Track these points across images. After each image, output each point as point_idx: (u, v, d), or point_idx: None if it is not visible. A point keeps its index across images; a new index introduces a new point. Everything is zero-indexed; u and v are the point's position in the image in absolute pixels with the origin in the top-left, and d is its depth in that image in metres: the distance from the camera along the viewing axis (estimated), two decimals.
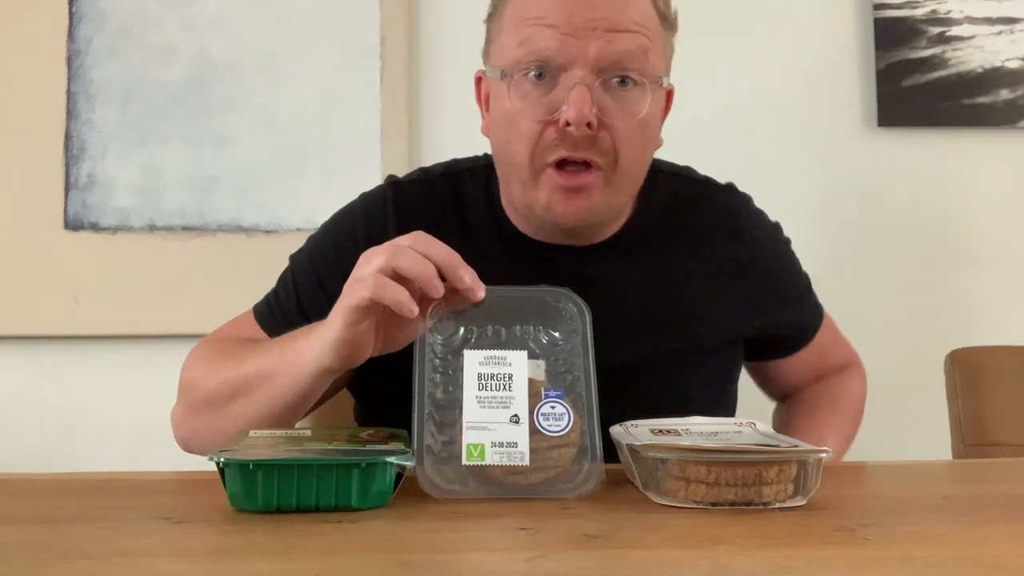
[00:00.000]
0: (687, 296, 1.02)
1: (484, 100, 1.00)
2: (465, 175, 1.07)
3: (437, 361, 0.82)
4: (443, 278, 0.80)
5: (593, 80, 0.88)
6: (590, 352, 0.83)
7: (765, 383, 1.21)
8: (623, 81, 0.91)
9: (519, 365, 0.81)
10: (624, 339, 0.96)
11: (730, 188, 1.11)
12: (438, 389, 0.80)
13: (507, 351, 0.81)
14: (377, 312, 0.82)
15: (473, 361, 0.80)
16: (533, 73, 0.89)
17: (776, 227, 1.13)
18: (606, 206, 0.97)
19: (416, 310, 0.78)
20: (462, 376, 0.80)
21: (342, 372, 0.89)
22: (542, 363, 0.82)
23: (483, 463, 0.75)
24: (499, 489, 0.75)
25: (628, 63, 0.89)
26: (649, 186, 1.02)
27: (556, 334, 0.84)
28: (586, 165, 0.93)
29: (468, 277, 0.80)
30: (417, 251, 0.79)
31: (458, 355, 0.80)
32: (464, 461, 0.76)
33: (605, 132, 0.91)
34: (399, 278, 0.79)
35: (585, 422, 0.80)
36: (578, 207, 0.94)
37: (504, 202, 1.03)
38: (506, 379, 0.80)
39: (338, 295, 1.00)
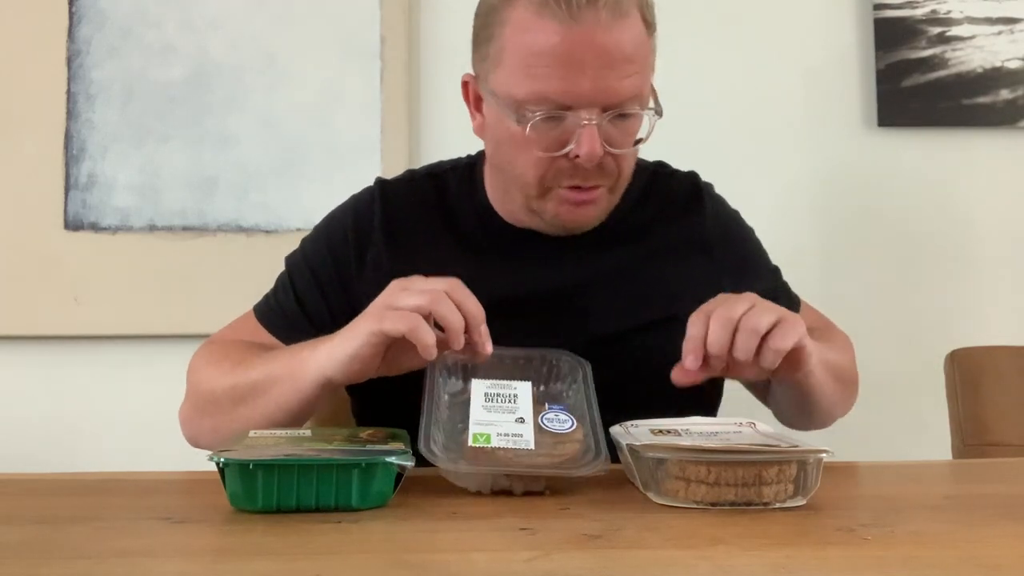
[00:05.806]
0: (660, 274, 1.08)
1: (474, 101, 1.04)
2: (448, 173, 1.13)
3: (445, 409, 0.84)
4: None
5: (600, 118, 0.93)
6: (591, 391, 0.87)
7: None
8: (624, 115, 0.96)
9: (523, 390, 0.85)
10: (607, 315, 1.04)
11: (693, 174, 1.18)
12: (443, 419, 0.82)
13: (512, 381, 0.86)
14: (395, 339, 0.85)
15: (480, 387, 0.85)
16: (541, 115, 0.94)
17: (736, 212, 1.19)
18: (607, 210, 1.05)
19: (435, 355, 0.82)
20: (469, 400, 0.83)
21: (343, 386, 0.91)
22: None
23: (489, 445, 0.77)
24: (505, 466, 0.76)
25: (629, 102, 0.95)
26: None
27: (557, 386, 0.89)
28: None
29: (485, 332, 0.85)
30: (452, 299, 0.83)
31: (465, 406, 0.83)
32: (469, 443, 0.77)
33: (610, 157, 0.97)
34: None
35: (587, 424, 0.81)
36: (586, 216, 1.03)
37: (489, 195, 1.09)
38: (511, 397, 0.84)
39: (333, 294, 1.06)
